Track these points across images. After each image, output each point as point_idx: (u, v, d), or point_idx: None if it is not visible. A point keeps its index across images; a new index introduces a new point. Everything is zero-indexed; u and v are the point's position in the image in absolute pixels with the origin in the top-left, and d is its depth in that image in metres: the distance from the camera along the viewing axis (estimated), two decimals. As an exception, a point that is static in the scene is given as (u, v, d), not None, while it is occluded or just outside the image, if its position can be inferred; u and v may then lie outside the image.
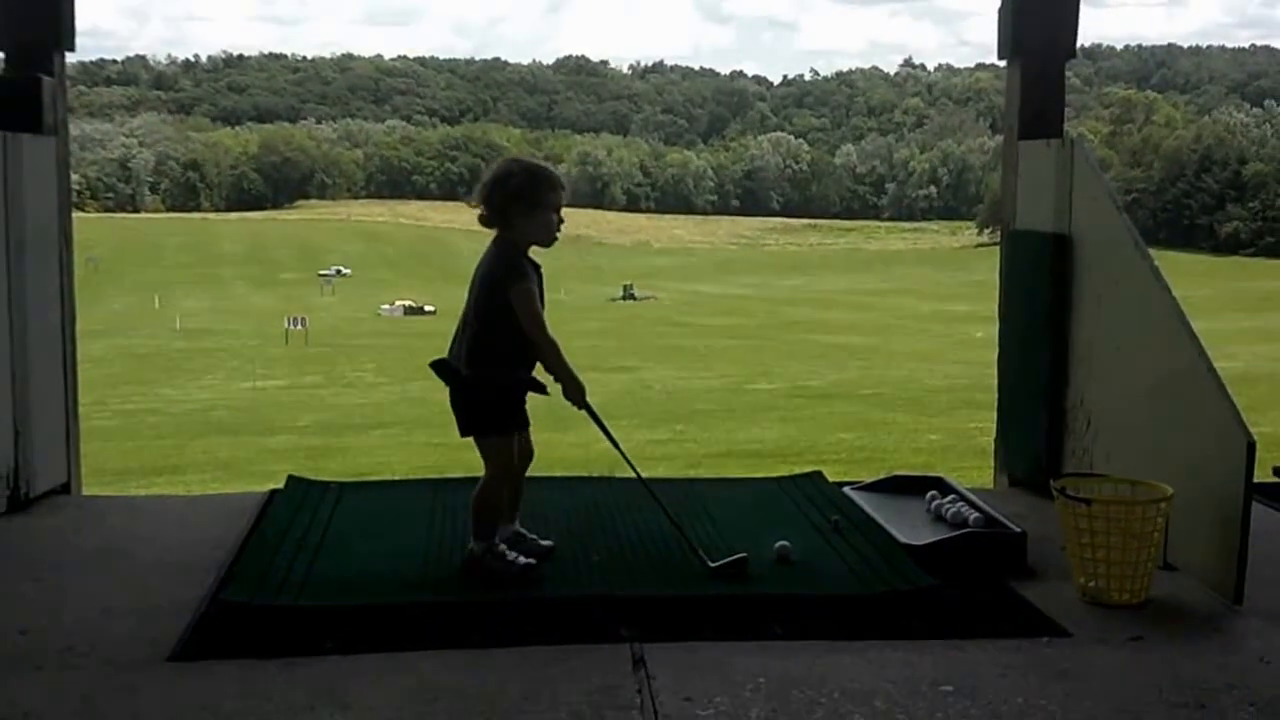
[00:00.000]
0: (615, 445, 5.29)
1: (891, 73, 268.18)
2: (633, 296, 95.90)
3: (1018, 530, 5.48)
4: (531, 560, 5.17)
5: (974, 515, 5.72)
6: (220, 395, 35.28)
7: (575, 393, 5.13)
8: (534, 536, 5.40)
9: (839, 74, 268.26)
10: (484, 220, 5.21)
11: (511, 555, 5.17)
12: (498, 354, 5.14)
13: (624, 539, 5.65)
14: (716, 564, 5.16)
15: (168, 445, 22.66)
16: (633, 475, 5.42)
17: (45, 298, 6.53)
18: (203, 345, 54.68)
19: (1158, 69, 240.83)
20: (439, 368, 5.28)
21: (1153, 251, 5.74)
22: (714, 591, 4.96)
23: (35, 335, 6.36)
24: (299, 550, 5.44)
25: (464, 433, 5.26)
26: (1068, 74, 6.86)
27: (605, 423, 5.29)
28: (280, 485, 6.66)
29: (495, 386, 5.18)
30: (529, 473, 5.48)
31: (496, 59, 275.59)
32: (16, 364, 6.21)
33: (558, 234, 5.27)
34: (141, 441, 23.16)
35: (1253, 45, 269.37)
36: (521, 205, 5.14)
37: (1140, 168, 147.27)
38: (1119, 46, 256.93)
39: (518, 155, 5.53)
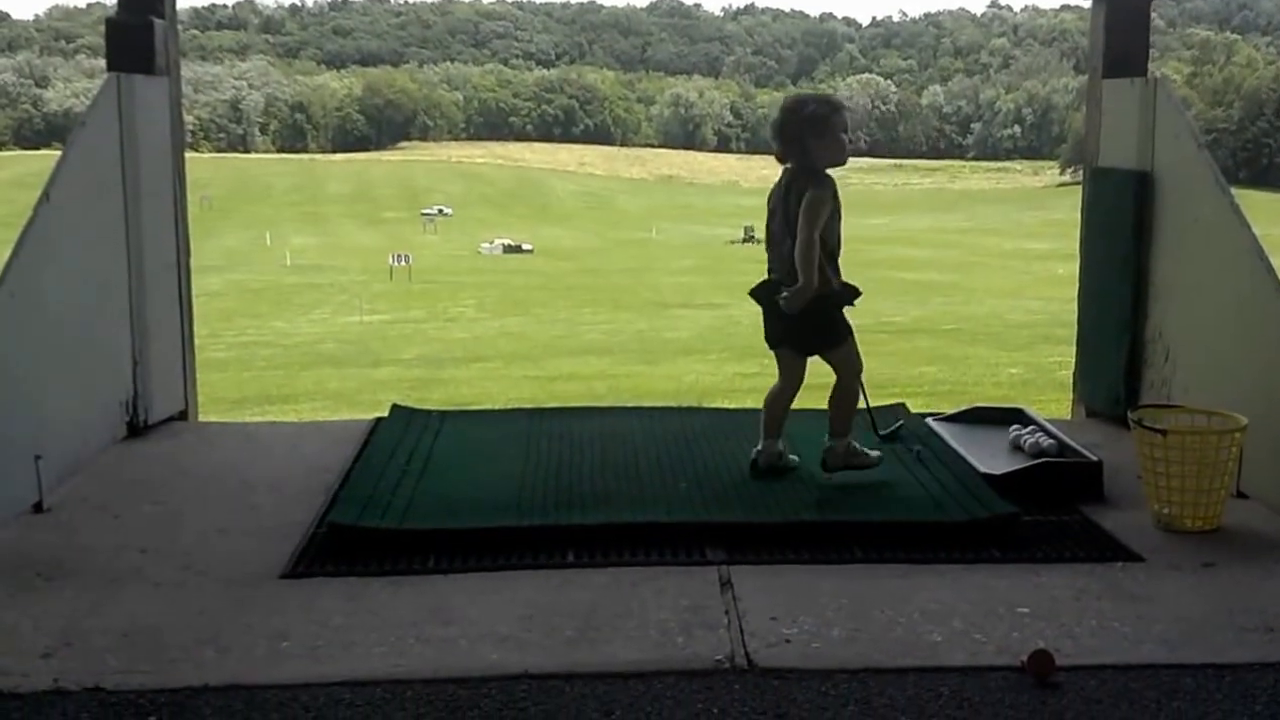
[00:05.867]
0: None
1: (978, 13, 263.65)
2: (754, 239, 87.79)
3: (1094, 459, 5.53)
4: (880, 454, 5.59)
5: (1051, 445, 5.78)
6: (329, 329, 35.56)
7: (803, 290, 5.34)
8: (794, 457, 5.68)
9: (927, 15, 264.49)
10: (781, 155, 5.51)
11: (863, 449, 5.53)
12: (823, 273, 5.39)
13: (711, 467, 5.73)
14: (884, 431, 5.93)
15: (279, 376, 22.91)
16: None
17: (160, 233, 6.66)
18: (311, 281, 55.01)
19: (1240, 10, 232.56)
20: (768, 290, 5.53)
21: (1232, 190, 5.75)
22: (798, 517, 5.04)
23: (151, 269, 6.50)
24: (403, 475, 5.55)
25: (813, 350, 5.58)
26: (1152, 15, 6.80)
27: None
28: (385, 414, 6.77)
29: (831, 299, 5.45)
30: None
31: (592, 2, 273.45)
32: (134, 297, 6.37)
33: (848, 151, 5.54)
34: (255, 372, 23.46)
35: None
36: (816, 130, 5.42)
37: (1221, 107, 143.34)
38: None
39: (794, 94, 5.85)
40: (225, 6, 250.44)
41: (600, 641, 3.98)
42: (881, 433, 6.06)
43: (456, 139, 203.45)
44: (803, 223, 5.33)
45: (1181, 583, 4.49)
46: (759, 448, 5.60)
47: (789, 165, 5.51)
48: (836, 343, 5.53)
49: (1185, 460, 4.92)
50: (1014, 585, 4.43)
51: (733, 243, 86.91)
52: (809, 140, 5.42)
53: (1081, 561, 4.69)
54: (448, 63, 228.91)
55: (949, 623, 4.11)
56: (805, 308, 5.39)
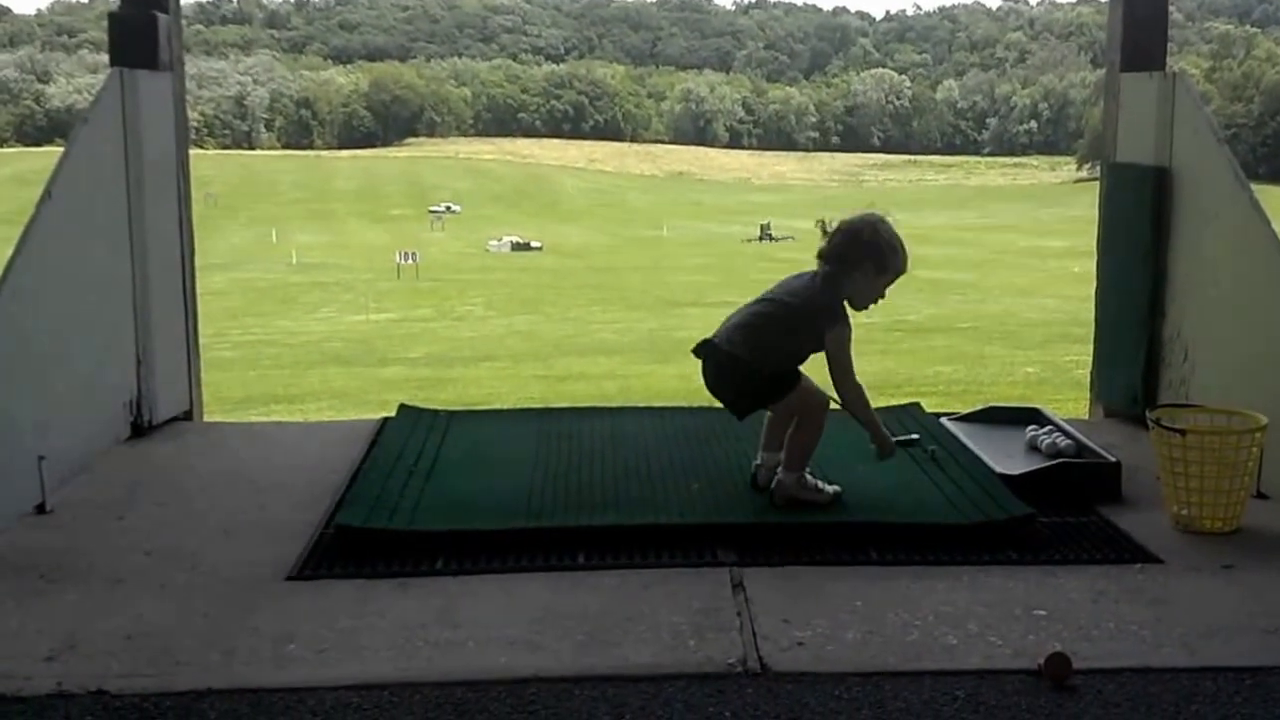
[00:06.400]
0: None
1: (994, 7, 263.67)
2: (770, 237, 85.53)
3: (1112, 460, 5.48)
4: (839, 488, 5.25)
5: (1069, 445, 5.73)
6: (335, 327, 35.56)
7: (882, 442, 5.29)
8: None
9: (941, 9, 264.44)
10: (824, 255, 5.26)
11: (819, 484, 5.23)
12: (775, 360, 5.22)
13: (722, 468, 5.70)
14: (896, 438, 5.63)
15: (286, 375, 22.87)
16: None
17: (164, 231, 6.63)
18: (318, 279, 55.05)
19: (1260, 3, 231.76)
20: (702, 351, 5.32)
21: (1252, 185, 5.69)
22: (811, 519, 5.00)
23: (156, 268, 6.47)
24: (410, 476, 5.52)
25: (758, 407, 5.35)
26: (1171, 8, 6.74)
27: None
28: (393, 414, 6.73)
29: (767, 378, 5.24)
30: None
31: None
32: (138, 296, 6.34)
33: (875, 303, 5.40)
34: (261, 371, 23.42)
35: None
36: (870, 264, 5.22)
37: (1240, 102, 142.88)
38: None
39: (883, 216, 5.45)
40: (230, 0, 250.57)
41: (611, 644, 3.95)
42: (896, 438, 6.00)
43: (464, 135, 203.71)
44: (839, 369, 5.15)
45: (1201, 584, 4.45)
46: (758, 461, 5.47)
47: (820, 272, 5.28)
48: (777, 398, 5.28)
49: (1204, 460, 4.88)
50: (1030, 587, 4.39)
51: (748, 241, 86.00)
52: (866, 265, 5.21)
53: (1099, 563, 4.65)
54: (455, 58, 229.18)
55: (964, 625, 4.07)
56: (740, 383, 5.26)
